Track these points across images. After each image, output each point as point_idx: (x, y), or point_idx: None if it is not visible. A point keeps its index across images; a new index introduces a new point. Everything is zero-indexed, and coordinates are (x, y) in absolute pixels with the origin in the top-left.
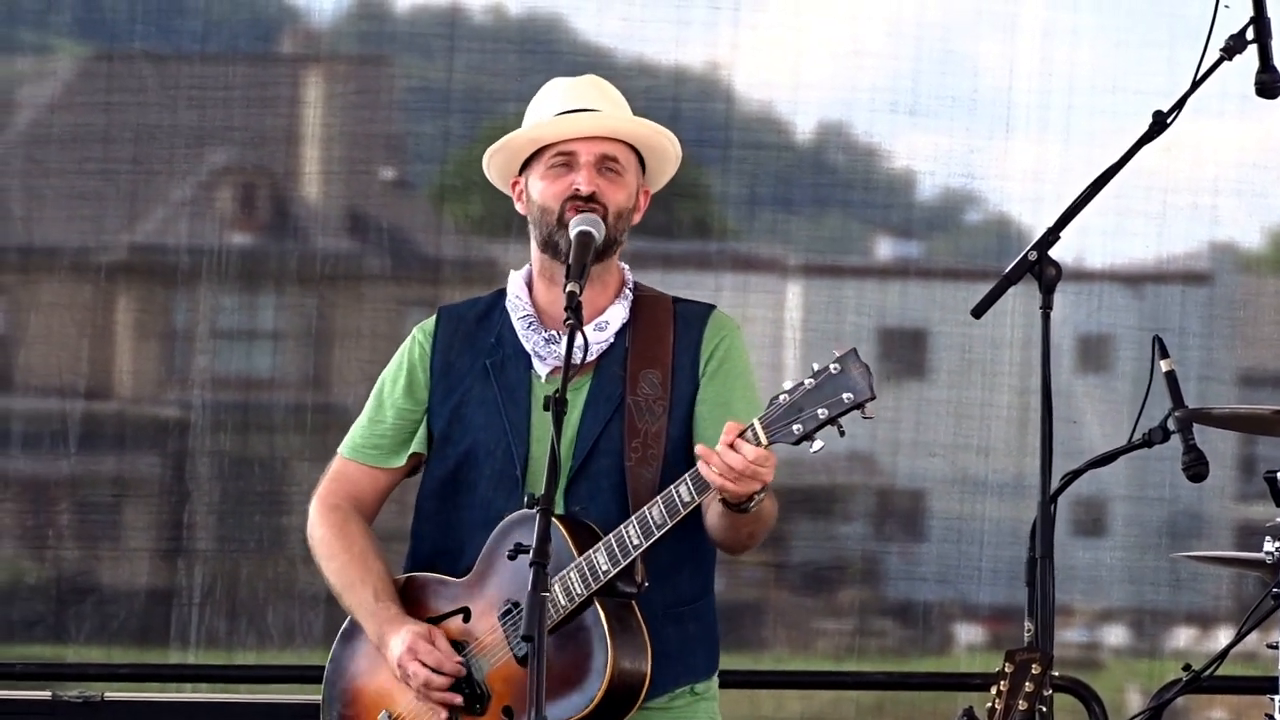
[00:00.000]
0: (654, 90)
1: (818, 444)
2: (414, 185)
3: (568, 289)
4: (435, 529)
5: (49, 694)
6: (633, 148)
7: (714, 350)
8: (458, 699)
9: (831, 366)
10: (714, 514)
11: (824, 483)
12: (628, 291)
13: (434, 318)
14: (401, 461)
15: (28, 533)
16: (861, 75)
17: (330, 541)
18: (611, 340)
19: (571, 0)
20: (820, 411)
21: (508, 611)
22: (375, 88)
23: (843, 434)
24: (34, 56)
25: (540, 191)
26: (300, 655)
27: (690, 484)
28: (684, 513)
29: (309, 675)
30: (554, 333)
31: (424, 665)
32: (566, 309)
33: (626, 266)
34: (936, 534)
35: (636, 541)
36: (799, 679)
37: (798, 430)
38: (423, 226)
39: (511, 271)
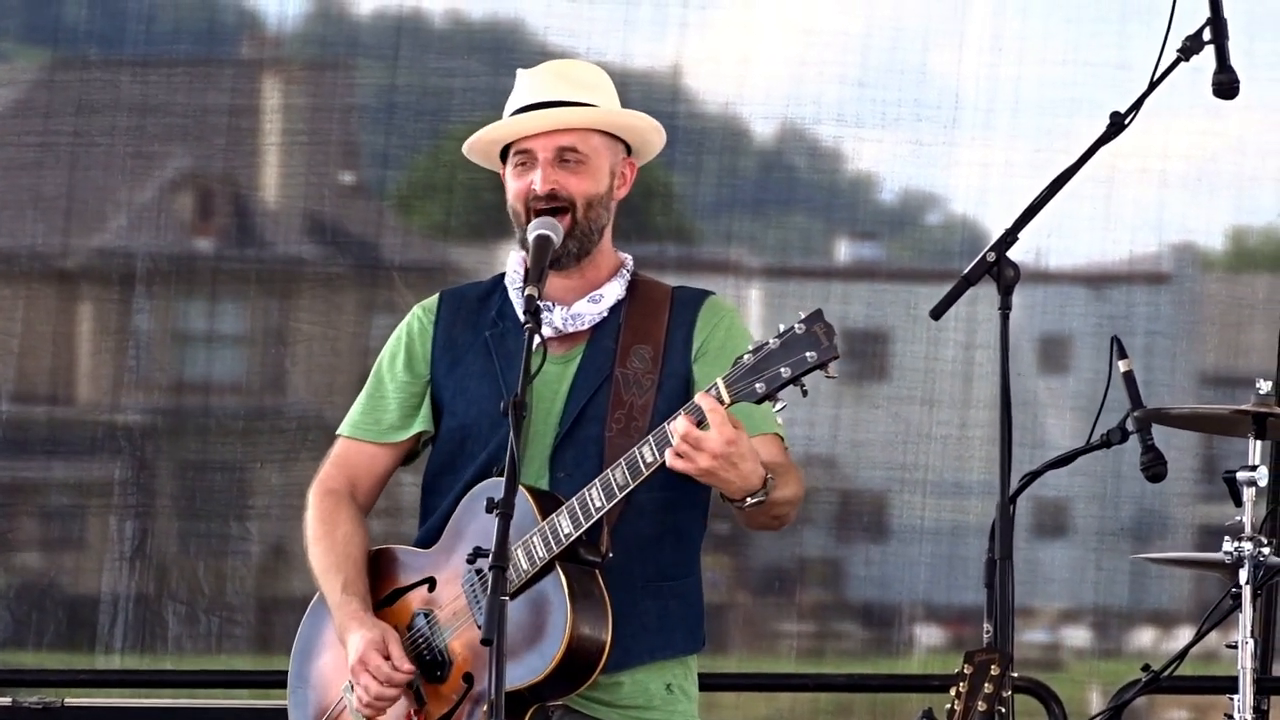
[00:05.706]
0: None
1: (780, 403)
2: (372, 189)
3: (526, 293)
4: (442, 502)
5: (9, 700)
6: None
7: (710, 332)
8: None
9: (796, 326)
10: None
11: None
12: (625, 272)
13: (435, 297)
14: (403, 437)
15: None
16: (810, 51)
17: (315, 527)
18: (605, 314)
19: (528, 4)
20: (784, 370)
21: (469, 574)
22: (332, 92)
23: (805, 393)
24: None
25: (510, 192)
26: (264, 660)
27: (654, 443)
28: (646, 474)
29: (268, 681)
30: (549, 303)
31: (374, 679)
32: (525, 312)
33: (629, 257)
34: (896, 528)
35: (599, 503)
36: (760, 681)
37: (760, 389)
38: (381, 230)
39: (511, 251)
